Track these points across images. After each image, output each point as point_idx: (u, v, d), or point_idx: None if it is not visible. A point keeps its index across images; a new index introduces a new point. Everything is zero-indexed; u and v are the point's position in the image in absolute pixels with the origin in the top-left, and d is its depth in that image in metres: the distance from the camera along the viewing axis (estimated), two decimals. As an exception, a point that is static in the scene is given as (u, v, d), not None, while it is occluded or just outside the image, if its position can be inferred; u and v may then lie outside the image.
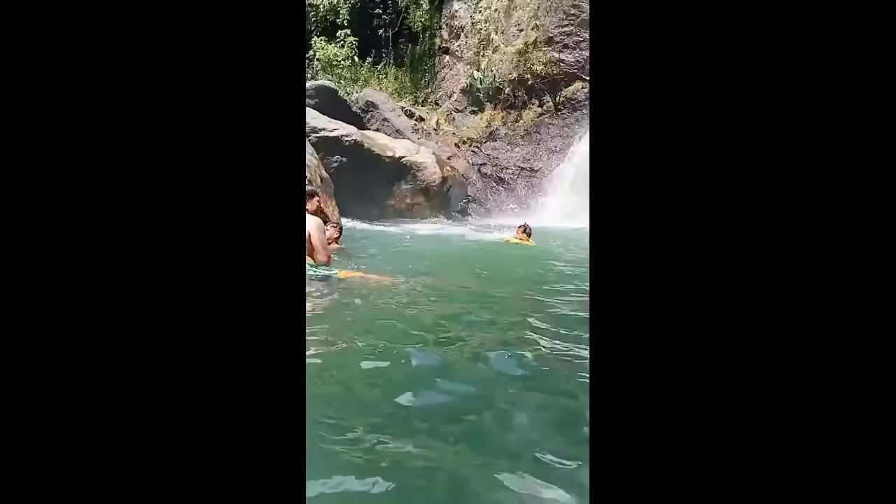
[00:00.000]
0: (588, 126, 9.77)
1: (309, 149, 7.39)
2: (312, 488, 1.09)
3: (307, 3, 12.48)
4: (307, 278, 3.29)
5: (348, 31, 12.66)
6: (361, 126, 10.83)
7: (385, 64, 13.57)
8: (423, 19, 12.85)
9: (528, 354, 2.12)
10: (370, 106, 11.84)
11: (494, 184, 11.24)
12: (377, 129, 11.30)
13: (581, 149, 10.19)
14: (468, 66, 12.18)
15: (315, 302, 3.06)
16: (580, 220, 8.80)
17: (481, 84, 11.68)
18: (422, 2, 12.60)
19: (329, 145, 9.40)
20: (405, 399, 1.63)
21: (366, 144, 9.86)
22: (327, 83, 11.48)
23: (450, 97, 12.72)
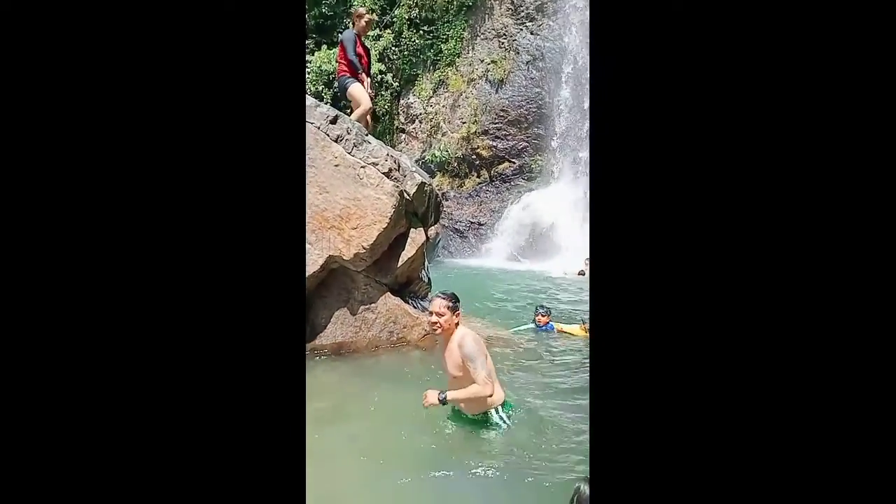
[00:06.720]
0: (517, 193, 13.96)
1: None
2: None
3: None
4: None
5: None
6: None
7: (352, 139, 16.68)
8: (385, 105, 16.53)
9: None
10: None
11: (451, 233, 15.14)
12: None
13: (515, 208, 14.24)
14: (421, 144, 16.00)
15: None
16: (521, 265, 12.01)
17: (433, 158, 15.54)
18: (384, 92, 16.28)
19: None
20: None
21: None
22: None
23: (407, 167, 15.98)
